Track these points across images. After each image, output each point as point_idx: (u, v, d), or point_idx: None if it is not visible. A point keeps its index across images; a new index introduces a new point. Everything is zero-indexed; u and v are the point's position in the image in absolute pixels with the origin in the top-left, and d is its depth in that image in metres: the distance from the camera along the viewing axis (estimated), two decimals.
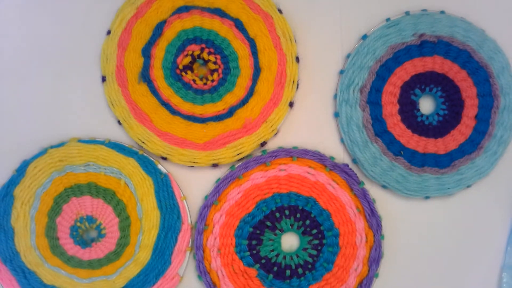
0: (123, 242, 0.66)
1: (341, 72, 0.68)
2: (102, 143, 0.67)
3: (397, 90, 0.68)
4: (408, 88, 0.68)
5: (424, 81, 0.68)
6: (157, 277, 0.65)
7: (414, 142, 0.67)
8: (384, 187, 0.67)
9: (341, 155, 0.68)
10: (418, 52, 0.68)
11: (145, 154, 0.68)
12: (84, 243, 0.67)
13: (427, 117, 0.68)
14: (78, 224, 0.67)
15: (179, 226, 0.66)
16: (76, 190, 0.67)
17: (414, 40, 0.67)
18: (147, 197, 0.66)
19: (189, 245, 0.66)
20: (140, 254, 0.65)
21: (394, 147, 0.67)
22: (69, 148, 0.67)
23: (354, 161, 0.68)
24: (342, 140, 0.68)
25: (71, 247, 0.66)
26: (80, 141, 0.67)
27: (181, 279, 0.66)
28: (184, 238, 0.66)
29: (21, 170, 0.66)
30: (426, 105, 0.70)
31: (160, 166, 0.67)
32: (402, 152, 0.67)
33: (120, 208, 0.67)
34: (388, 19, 0.69)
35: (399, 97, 0.68)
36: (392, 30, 0.68)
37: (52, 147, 0.67)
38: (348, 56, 0.69)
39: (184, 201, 0.67)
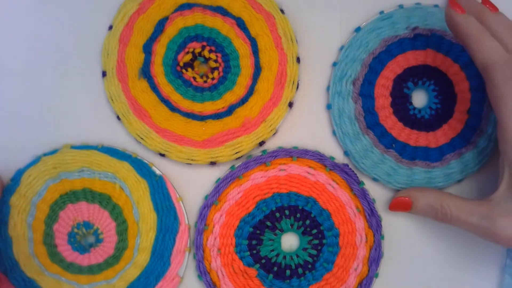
0: (121, 246, 0.66)
1: (334, 64, 0.68)
2: (95, 148, 0.66)
3: (389, 83, 0.68)
4: (400, 81, 0.68)
5: (417, 74, 0.68)
6: (157, 279, 0.65)
7: (405, 135, 0.67)
8: (374, 179, 0.68)
9: (340, 155, 0.68)
10: (411, 45, 0.67)
11: (138, 157, 0.67)
12: (83, 248, 0.66)
13: (420, 111, 0.68)
14: (76, 230, 0.66)
15: (177, 227, 0.66)
16: (72, 196, 0.66)
17: (407, 33, 0.67)
18: (143, 200, 0.65)
19: (188, 246, 0.66)
20: (139, 257, 0.65)
21: (385, 139, 0.67)
22: (62, 154, 0.66)
23: (346, 153, 0.68)
24: (334, 133, 0.68)
25: (69, 254, 0.66)
26: (73, 147, 0.66)
27: (181, 280, 0.66)
28: (182, 239, 0.66)
29: (16, 179, 0.65)
30: (419, 98, 0.70)
31: (154, 168, 0.67)
32: (394, 145, 0.67)
33: (116, 212, 0.66)
34: (381, 12, 0.68)
35: (392, 90, 0.68)
36: (385, 23, 0.67)
37: (45, 154, 0.66)
38: (341, 48, 0.68)
39: (181, 202, 0.66)
